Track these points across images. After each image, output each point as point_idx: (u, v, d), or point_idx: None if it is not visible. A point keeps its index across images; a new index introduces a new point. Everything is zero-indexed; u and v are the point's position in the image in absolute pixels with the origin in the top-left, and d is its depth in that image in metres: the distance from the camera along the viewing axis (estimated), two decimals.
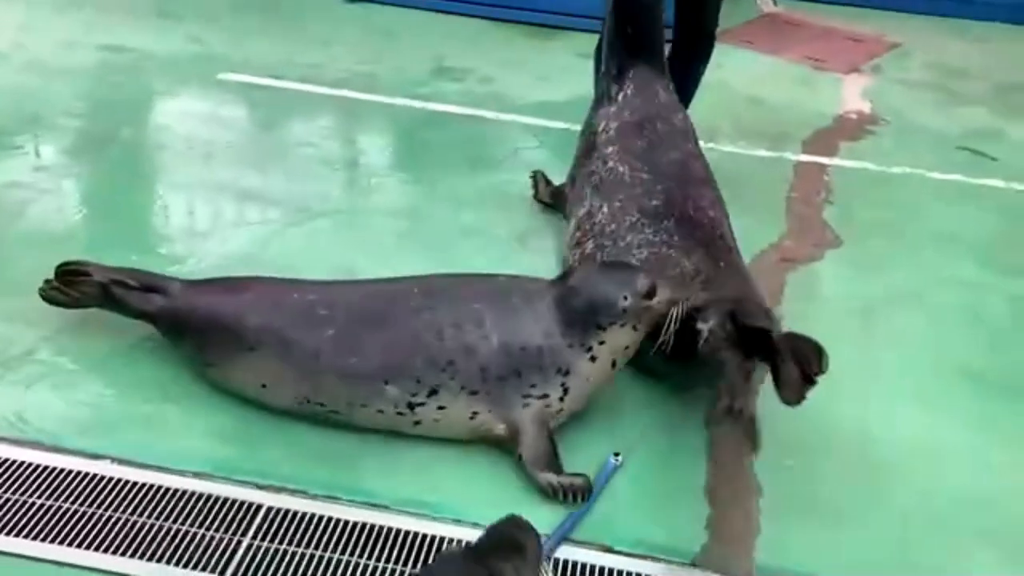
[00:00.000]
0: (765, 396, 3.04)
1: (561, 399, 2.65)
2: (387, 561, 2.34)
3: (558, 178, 3.97)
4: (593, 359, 2.65)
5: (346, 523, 2.45)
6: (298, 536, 2.40)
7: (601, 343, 2.63)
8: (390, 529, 2.44)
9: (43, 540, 2.33)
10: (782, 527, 2.56)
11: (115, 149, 4.38)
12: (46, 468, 2.54)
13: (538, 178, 4.09)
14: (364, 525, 2.44)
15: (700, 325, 2.70)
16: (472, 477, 2.64)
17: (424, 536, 2.42)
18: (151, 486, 2.51)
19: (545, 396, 2.64)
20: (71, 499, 2.45)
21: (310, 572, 2.30)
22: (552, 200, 3.98)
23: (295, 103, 4.97)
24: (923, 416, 3.00)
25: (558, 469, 2.58)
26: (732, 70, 5.43)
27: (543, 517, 2.47)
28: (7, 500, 2.43)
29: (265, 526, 2.42)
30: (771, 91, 5.51)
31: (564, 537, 2.44)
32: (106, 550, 2.31)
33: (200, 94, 5.01)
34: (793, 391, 2.60)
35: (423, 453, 2.69)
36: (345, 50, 5.66)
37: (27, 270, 3.15)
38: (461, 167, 4.43)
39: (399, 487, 2.57)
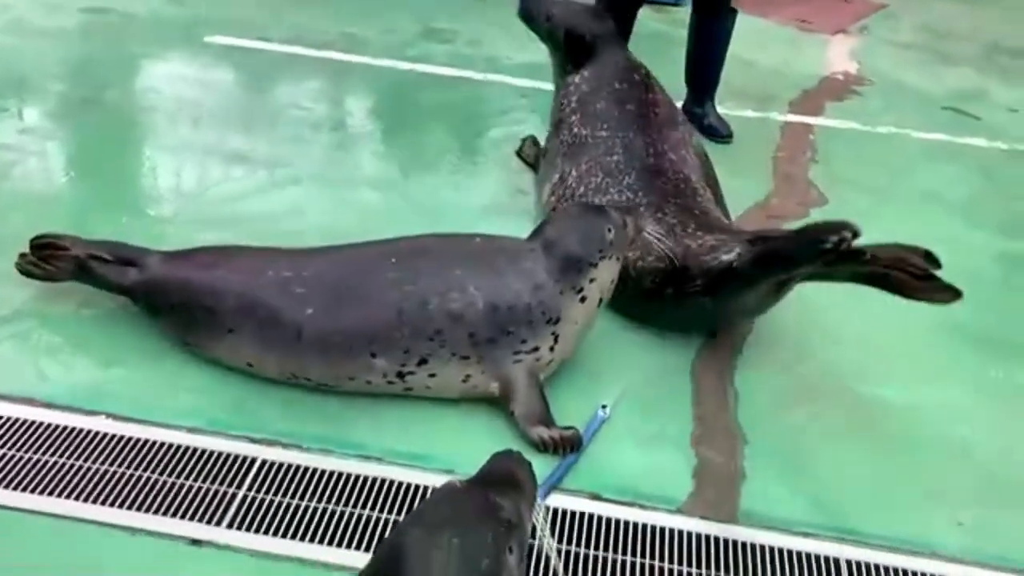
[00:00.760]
0: (756, 347, 3.10)
1: (552, 348, 2.69)
2: (381, 511, 2.39)
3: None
4: (583, 299, 2.69)
5: (340, 475, 2.49)
6: (292, 487, 2.44)
7: (592, 280, 2.69)
8: (383, 480, 2.48)
9: (40, 494, 2.36)
10: (766, 476, 2.62)
11: (100, 111, 4.36)
12: (41, 424, 2.56)
13: (527, 141, 4.12)
14: (358, 477, 2.49)
15: (724, 257, 2.79)
16: (464, 430, 2.68)
17: (416, 487, 2.47)
18: (146, 441, 2.54)
19: (536, 349, 2.67)
20: (67, 454, 2.48)
21: (305, 522, 2.35)
22: (534, 162, 4.01)
23: (281, 65, 4.95)
24: (909, 371, 3.06)
25: (549, 423, 2.63)
26: None
27: (539, 467, 2.51)
28: (3, 456, 2.46)
29: (260, 478, 2.46)
30: (758, 52, 5.51)
31: (554, 486, 2.49)
32: (103, 503, 2.35)
33: (185, 56, 4.97)
34: (924, 292, 2.57)
35: (415, 407, 2.72)
36: (331, 11, 5.62)
37: (13, 232, 3.14)
38: (449, 128, 4.43)
39: (391, 440, 2.61)
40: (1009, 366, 3.17)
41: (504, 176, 4.03)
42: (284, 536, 2.31)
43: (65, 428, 2.56)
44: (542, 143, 4.00)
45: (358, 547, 2.29)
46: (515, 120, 4.49)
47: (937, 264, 2.55)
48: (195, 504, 2.37)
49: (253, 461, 2.51)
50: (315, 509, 2.38)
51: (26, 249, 2.97)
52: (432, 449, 2.60)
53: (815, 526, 2.47)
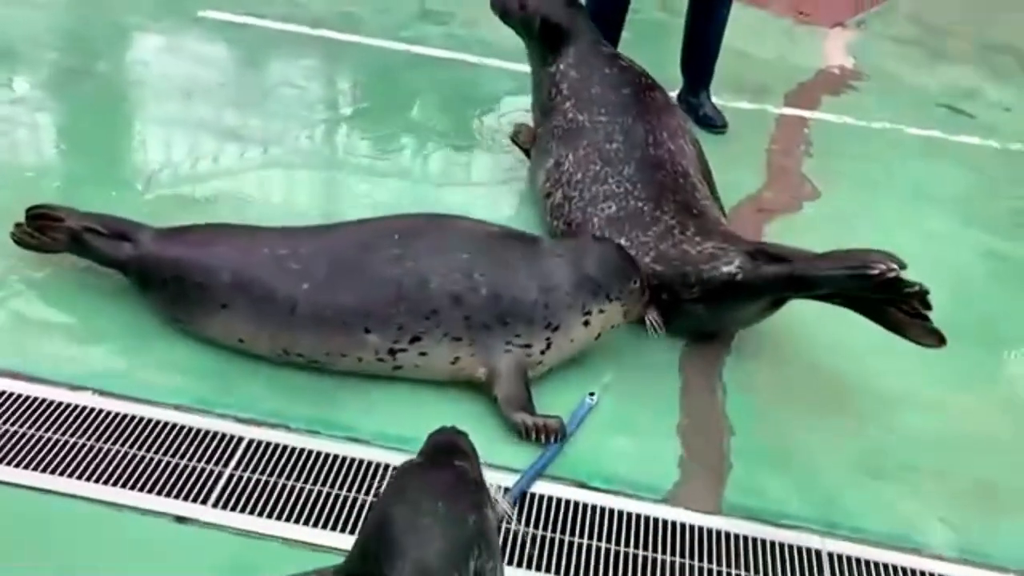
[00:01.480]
0: (746, 341, 3.10)
1: (543, 352, 2.70)
2: (367, 493, 2.39)
3: None
4: (586, 323, 2.72)
5: (326, 456, 2.49)
6: (279, 467, 2.43)
7: (601, 311, 2.73)
8: (369, 462, 2.48)
9: (26, 468, 2.35)
10: (752, 467, 2.63)
11: (92, 84, 4.30)
12: (28, 398, 2.55)
13: (524, 127, 4.09)
14: (344, 458, 2.48)
15: (724, 268, 2.80)
16: (449, 414, 2.63)
17: None
18: (133, 417, 2.53)
19: (528, 346, 2.68)
20: (53, 429, 2.46)
21: (291, 503, 2.34)
22: (530, 147, 3.99)
23: (275, 42, 4.90)
24: (895, 367, 3.06)
25: (531, 411, 2.63)
26: None
27: (521, 455, 2.52)
28: None
29: (246, 458, 2.45)
30: (755, 44, 5.48)
31: (537, 474, 2.50)
32: (89, 479, 2.34)
33: (178, 29, 4.91)
34: (913, 331, 2.67)
35: (402, 390, 2.72)
36: None
37: (2, 203, 3.11)
38: (442, 110, 4.41)
39: (378, 423, 2.61)
40: (995, 362, 3.19)
41: (497, 160, 4.02)
42: (269, 516, 2.30)
43: (51, 402, 2.54)
44: None
45: (343, 529, 2.29)
46: (509, 104, 4.46)
47: (929, 307, 2.64)
48: (181, 482, 2.36)
49: (240, 440, 2.50)
50: (301, 489, 2.38)
51: (20, 219, 2.94)
52: (419, 433, 2.52)
53: (799, 518, 2.49)
